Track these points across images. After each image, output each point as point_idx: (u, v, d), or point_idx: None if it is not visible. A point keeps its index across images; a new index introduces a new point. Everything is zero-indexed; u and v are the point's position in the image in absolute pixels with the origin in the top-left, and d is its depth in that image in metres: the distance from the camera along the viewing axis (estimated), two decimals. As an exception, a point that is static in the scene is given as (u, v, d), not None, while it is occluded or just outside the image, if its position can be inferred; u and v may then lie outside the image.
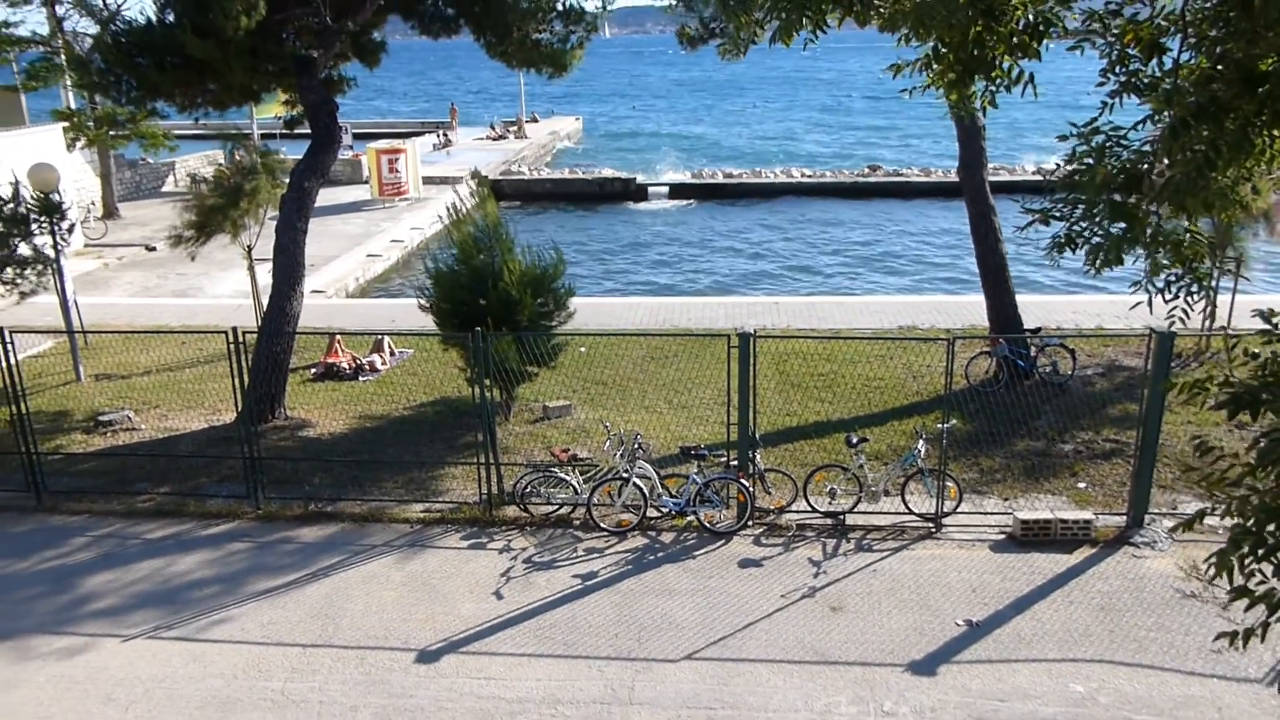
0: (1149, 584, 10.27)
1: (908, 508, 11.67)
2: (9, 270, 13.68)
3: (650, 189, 41.32)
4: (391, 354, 17.28)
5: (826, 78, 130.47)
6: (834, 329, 18.19)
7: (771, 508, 11.76)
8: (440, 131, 56.15)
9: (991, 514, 11.65)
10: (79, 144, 29.78)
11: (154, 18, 12.50)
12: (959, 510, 11.62)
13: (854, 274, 27.81)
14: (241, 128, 43.39)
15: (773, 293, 25.32)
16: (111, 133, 29.75)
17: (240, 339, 12.10)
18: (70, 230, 14.91)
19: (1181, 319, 5.88)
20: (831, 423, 14.07)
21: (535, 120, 62.77)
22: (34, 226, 13.87)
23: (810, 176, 42.17)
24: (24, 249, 13.84)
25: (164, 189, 38.75)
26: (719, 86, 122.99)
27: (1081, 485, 12.27)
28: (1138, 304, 6.11)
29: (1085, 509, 11.66)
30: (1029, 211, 6.12)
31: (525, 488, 11.84)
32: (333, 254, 26.54)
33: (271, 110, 25.72)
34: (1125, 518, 11.43)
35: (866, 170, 43.25)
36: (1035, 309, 19.16)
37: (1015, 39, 6.57)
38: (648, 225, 35.51)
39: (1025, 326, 16.14)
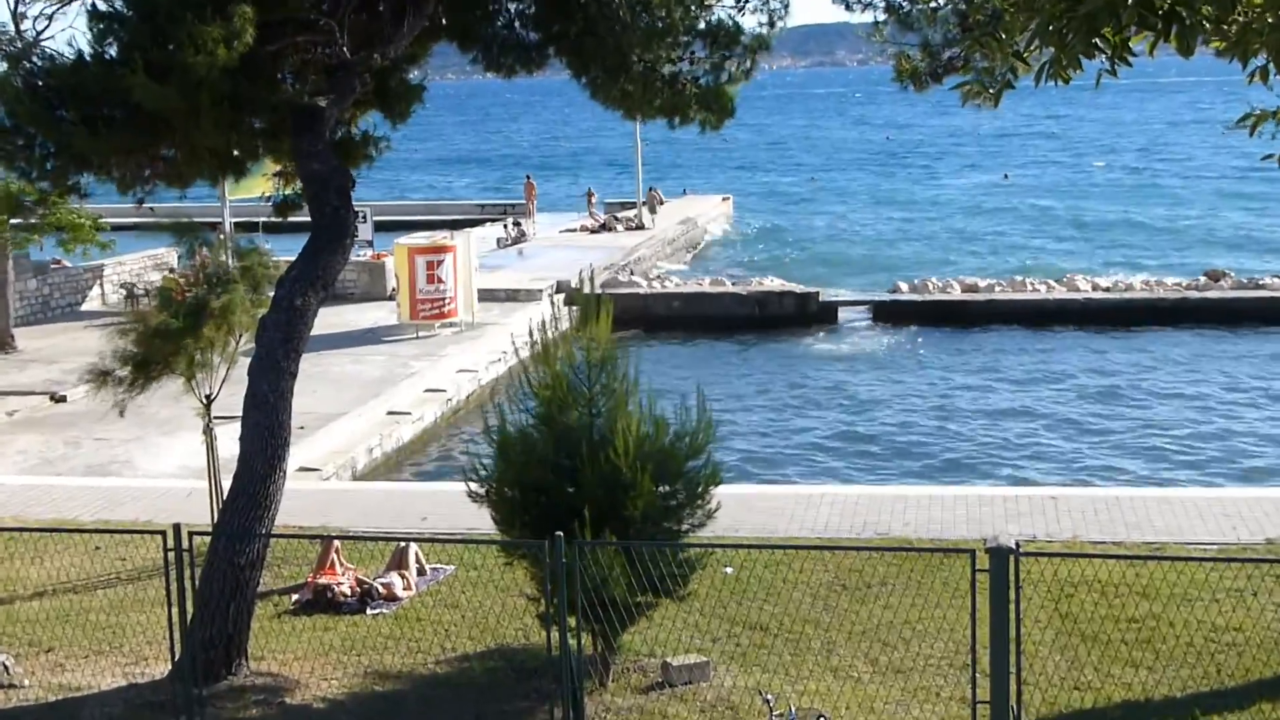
0: None
1: None
2: None
3: (841, 309, 41.71)
4: (420, 572, 17.42)
5: (1113, 132, 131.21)
6: (1153, 543, 17.60)
7: None
8: (509, 219, 58.23)
9: None
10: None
11: (88, 51, 13.39)
12: None
13: (1184, 451, 27.19)
14: (207, 215, 45.80)
15: (1046, 480, 24.91)
16: (13, 221, 31.74)
17: (186, 543, 12.38)
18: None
19: None
20: (1154, 703, 13.43)
21: (659, 201, 64.50)
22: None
23: (1107, 290, 41.83)
24: None
25: (84, 307, 40.91)
26: (940, 145, 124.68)
27: None
28: None
29: None
30: None
31: (632, 801, 11.55)
32: (336, 410, 27.36)
33: (254, 188, 27.08)
34: None
35: (1202, 280, 42.67)
36: None
37: None
38: (837, 367, 35.63)
39: None
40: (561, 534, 11.90)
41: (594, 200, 64.30)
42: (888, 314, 41.12)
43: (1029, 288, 42.56)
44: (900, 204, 79.44)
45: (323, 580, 16.93)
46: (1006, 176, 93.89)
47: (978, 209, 74.70)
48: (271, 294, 15.11)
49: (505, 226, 55.75)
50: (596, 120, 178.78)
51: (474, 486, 14.22)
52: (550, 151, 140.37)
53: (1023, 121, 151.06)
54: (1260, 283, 41.79)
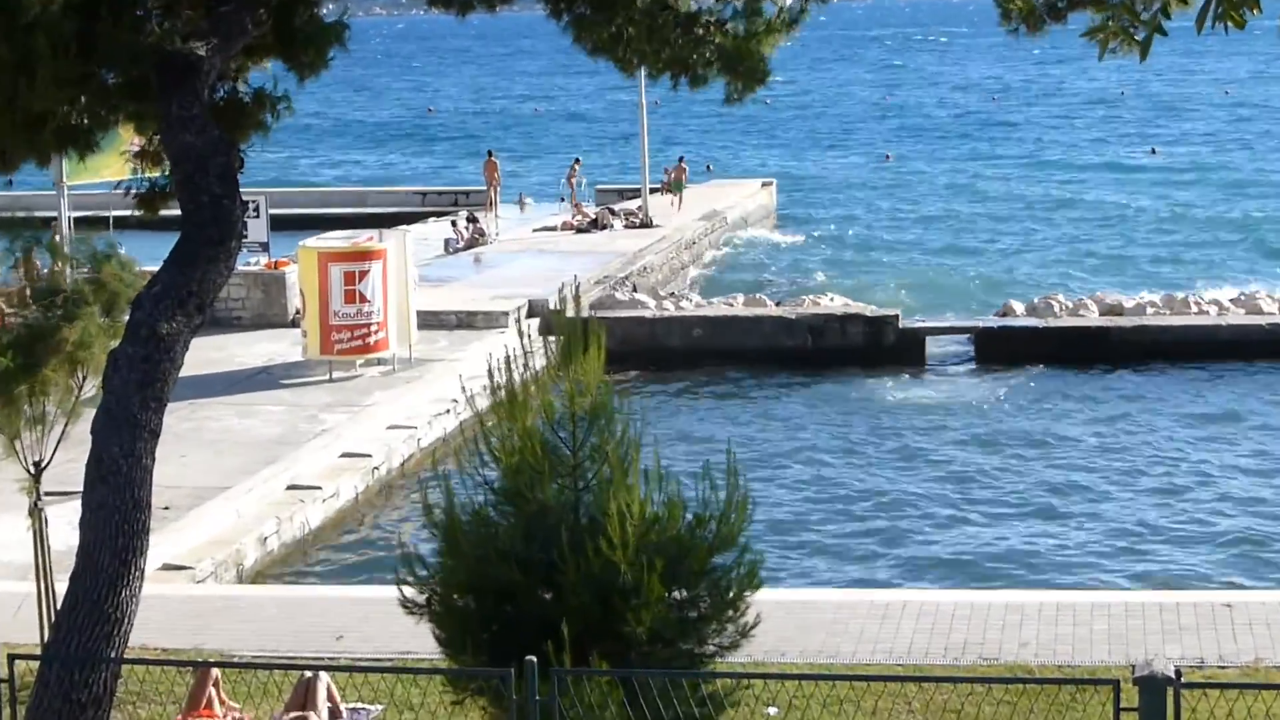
0: None
1: None
2: None
3: (929, 339, 41.60)
4: (334, 714, 17.37)
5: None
6: (1374, 672, 17.50)
7: None
8: (462, 213, 58.00)
9: None
10: None
11: None
12: None
13: None
14: (39, 207, 45.77)
15: (1216, 578, 24.97)
16: None
17: (5, 671, 12.29)
18: None
19: None
20: None
21: (676, 184, 64.45)
22: None
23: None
24: None
25: None
26: (1055, 109, 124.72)
27: None
28: None
29: None
30: None
31: None
32: (215, 483, 27.24)
33: (103, 170, 27.04)
34: None
35: None
36: None
37: None
38: (925, 423, 35.41)
39: None
40: (534, 659, 11.86)
41: (578, 180, 64.17)
42: (996, 346, 40.90)
43: (1194, 308, 42.42)
44: (1006, 193, 79.27)
45: (197, 724, 16.89)
46: (1154, 151, 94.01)
47: (1107, 211, 73.70)
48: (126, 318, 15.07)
49: (455, 223, 55.54)
50: (559, 74, 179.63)
51: (410, 592, 14.18)
52: (514, 117, 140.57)
53: (1171, 78, 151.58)
54: None
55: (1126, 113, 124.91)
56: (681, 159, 66.05)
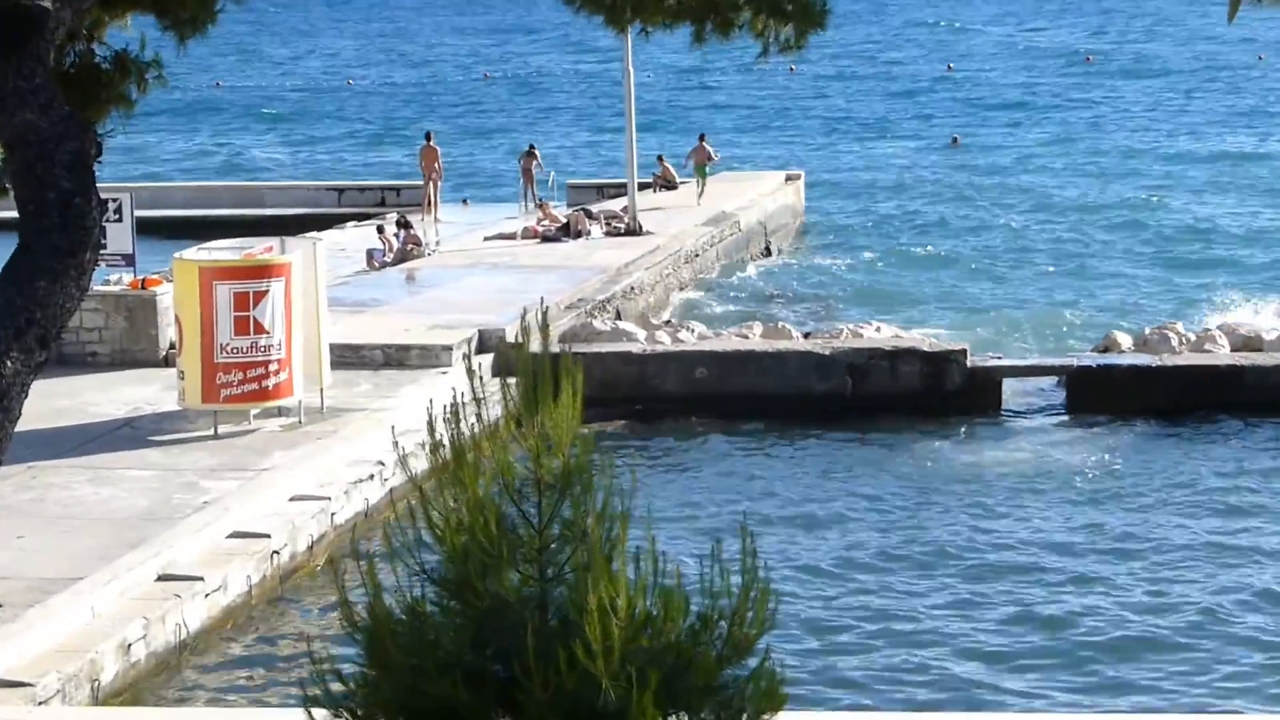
0: None
1: None
2: None
3: (1007, 381, 41.51)
4: None
5: None
6: None
7: None
8: (391, 218, 57.95)
9: None
10: None
11: None
12: None
13: None
14: None
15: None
16: None
17: None
18: None
19: None
20: None
21: (699, 170, 64.43)
22: None
23: None
24: None
25: None
26: (1166, 73, 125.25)
27: None
28: None
29: None
30: None
31: None
32: (61, 573, 27.17)
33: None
34: None
35: None
36: None
37: None
38: (1001, 493, 35.38)
39: None
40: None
41: (542, 173, 64.25)
42: (1094, 391, 40.94)
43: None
44: (1106, 191, 79.33)
45: None
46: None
47: (1237, 215, 73.41)
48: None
49: (382, 230, 55.51)
50: (514, 31, 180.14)
51: (320, 715, 14.14)
52: (454, 87, 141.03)
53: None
54: None
55: (1261, 85, 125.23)
56: (703, 138, 66.17)
